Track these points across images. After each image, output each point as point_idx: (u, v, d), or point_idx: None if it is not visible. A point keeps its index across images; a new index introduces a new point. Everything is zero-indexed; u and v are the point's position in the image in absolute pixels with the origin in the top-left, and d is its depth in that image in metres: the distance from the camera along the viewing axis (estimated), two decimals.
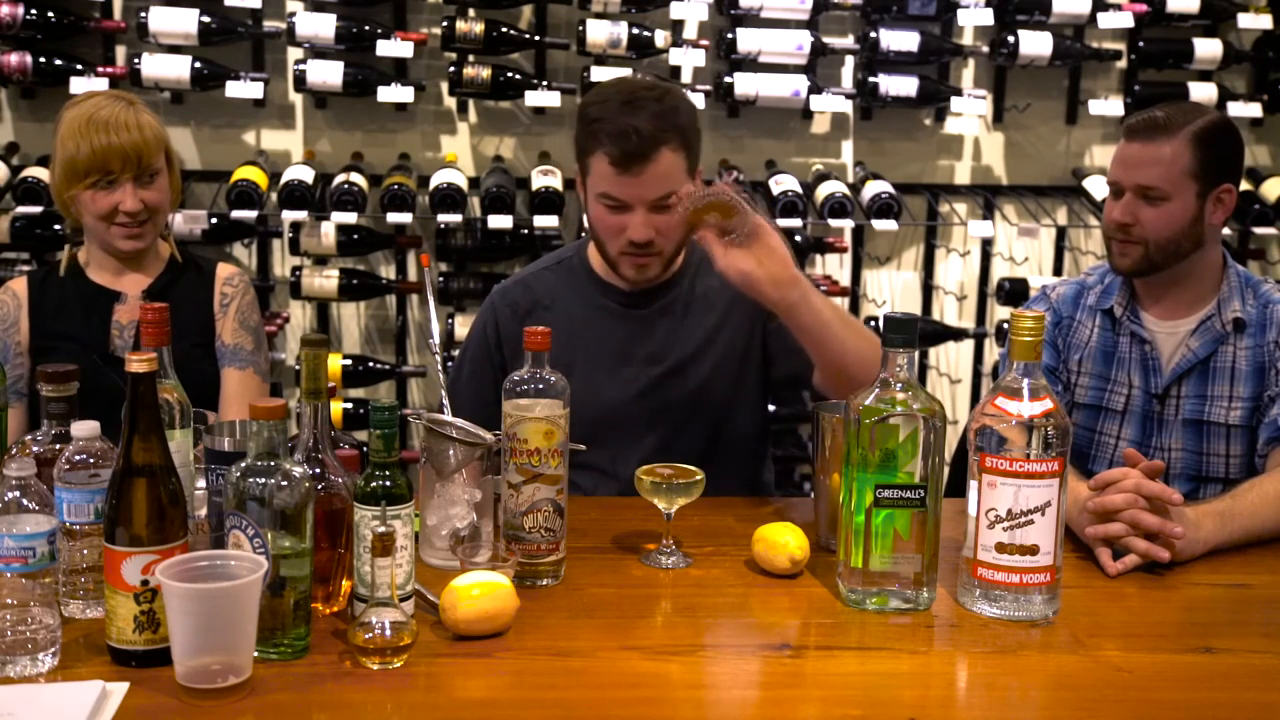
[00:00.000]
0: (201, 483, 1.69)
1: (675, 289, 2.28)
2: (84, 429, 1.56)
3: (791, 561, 1.78)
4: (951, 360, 3.99)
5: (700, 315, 2.27)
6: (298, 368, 3.39)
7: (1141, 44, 3.75)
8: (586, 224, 2.26)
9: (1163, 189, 2.17)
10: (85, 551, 1.56)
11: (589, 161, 2.14)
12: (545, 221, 3.48)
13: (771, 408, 2.44)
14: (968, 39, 3.78)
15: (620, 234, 2.14)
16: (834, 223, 3.56)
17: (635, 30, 3.49)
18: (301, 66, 3.45)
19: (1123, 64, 3.82)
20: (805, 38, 3.59)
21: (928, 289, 3.90)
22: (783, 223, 3.53)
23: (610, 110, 2.09)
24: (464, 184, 3.50)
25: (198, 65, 3.41)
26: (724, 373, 2.26)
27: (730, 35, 3.57)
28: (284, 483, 1.47)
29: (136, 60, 3.39)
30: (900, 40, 3.61)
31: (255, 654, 1.43)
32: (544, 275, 2.34)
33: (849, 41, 3.72)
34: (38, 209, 3.36)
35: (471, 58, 3.52)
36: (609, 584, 1.78)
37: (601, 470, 2.23)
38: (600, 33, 3.49)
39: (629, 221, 2.12)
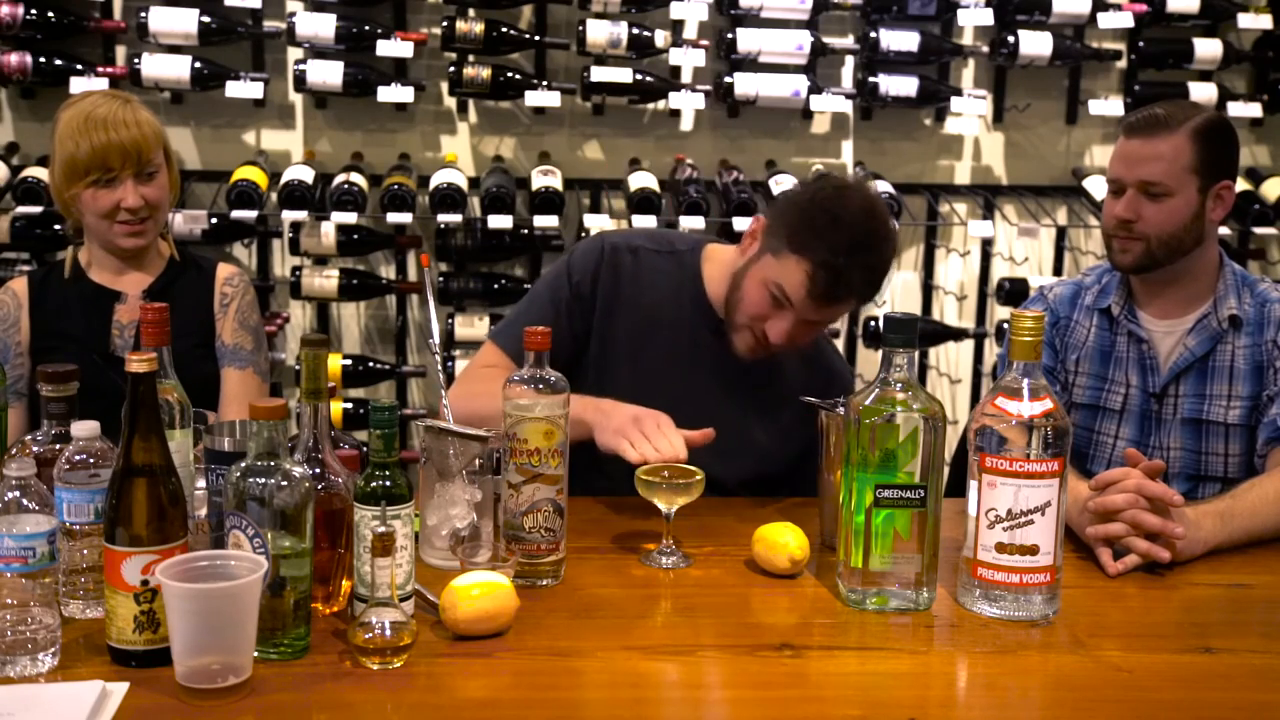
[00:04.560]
0: (201, 483, 1.69)
1: None
2: (84, 429, 1.56)
3: (791, 561, 1.78)
4: (951, 360, 3.99)
5: (778, 363, 2.26)
6: (298, 368, 3.39)
7: (1141, 44, 3.75)
8: (732, 278, 2.20)
9: (1166, 184, 2.17)
10: (85, 551, 1.56)
11: (790, 256, 2.07)
12: (545, 221, 3.48)
13: None
14: (968, 39, 3.78)
15: (762, 322, 2.14)
16: None
17: (635, 30, 3.49)
18: (301, 66, 3.44)
19: (1123, 64, 3.82)
20: (805, 38, 3.59)
21: (928, 289, 3.90)
22: None
23: (843, 246, 2.04)
24: (464, 184, 3.50)
25: (198, 65, 3.41)
26: (781, 424, 2.27)
27: (730, 35, 3.57)
28: (284, 483, 1.47)
29: (136, 60, 3.39)
30: (900, 40, 3.61)
31: (255, 654, 1.43)
32: (654, 258, 2.30)
33: (849, 41, 3.72)
34: (38, 209, 3.35)
35: (471, 58, 3.52)
36: (609, 584, 1.77)
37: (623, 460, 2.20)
38: (600, 33, 3.49)
39: (780, 324, 2.12)
